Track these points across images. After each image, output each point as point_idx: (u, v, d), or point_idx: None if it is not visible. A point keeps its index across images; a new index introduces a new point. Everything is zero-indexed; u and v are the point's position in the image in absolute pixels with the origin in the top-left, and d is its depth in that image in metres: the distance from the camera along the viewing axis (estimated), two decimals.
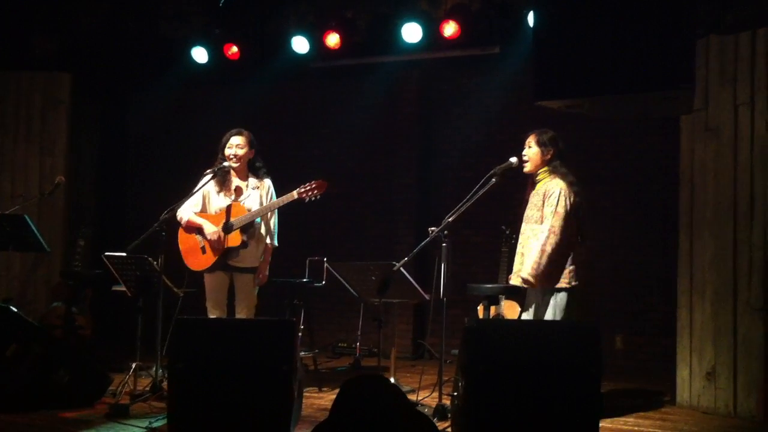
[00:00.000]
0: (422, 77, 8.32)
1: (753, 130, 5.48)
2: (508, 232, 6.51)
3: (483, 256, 7.56)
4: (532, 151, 5.27)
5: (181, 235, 5.72)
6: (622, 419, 5.28)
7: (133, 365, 5.42)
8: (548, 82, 4.84)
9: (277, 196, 5.72)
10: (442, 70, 8.21)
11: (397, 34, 7.17)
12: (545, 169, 5.24)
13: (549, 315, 5.13)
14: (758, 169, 5.44)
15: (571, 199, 5.09)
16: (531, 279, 5.01)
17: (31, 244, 6.41)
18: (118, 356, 6.39)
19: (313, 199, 5.49)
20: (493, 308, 6.13)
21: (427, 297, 5.46)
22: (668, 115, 5.86)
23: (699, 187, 5.74)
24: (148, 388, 5.34)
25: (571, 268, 5.17)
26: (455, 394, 4.38)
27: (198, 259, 5.64)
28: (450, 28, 7.01)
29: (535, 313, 5.19)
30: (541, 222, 5.09)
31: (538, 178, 5.28)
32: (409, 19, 7.11)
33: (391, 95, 8.36)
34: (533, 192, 5.29)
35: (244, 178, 5.75)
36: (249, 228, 5.56)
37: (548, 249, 4.99)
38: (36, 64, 7.97)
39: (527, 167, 5.28)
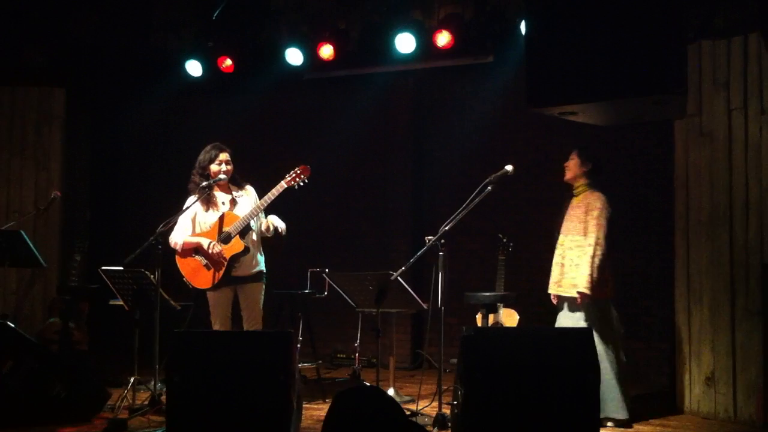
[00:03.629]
0: (416, 86, 8.33)
1: (747, 134, 5.50)
2: (505, 240, 6.52)
3: (480, 264, 7.56)
4: (573, 161, 5.51)
5: (179, 260, 5.63)
6: (631, 425, 5.27)
7: (132, 379, 5.39)
8: (541, 89, 4.86)
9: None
10: (435, 78, 8.22)
11: (391, 44, 7.18)
12: (583, 182, 5.47)
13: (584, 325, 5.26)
14: (752, 173, 5.45)
15: (610, 212, 5.33)
16: (587, 291, 5.20)
17: (27, 259, 6.39)
18: (116, 370, 6.36)
19: (301, 184, 5.50)
20: (491, 316, 6.13)
21: (425, 306, 5.45)
22: (661, 120, 5.88)
23: (694, 192, 5.75)
24: (146, 402, 5.32)
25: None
26: (455, 402, 4.38)
27: (206, 277, 5.54)
28: (443, 38, 7.02)
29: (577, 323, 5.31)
30: (584, 234, 5.29)
31: (576, 190, 5.50)
32: (402, 30, 7.12)
33: (385, 104, 8.37)
34: (573, 204, 5.49)
35: (227, 191, 5.73)
36: (246, 232, 5.55)
37: (596, 261, 5.22)
38: (29, 79, 7.96)
39: (566, 175, 5.55)
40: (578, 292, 5.21)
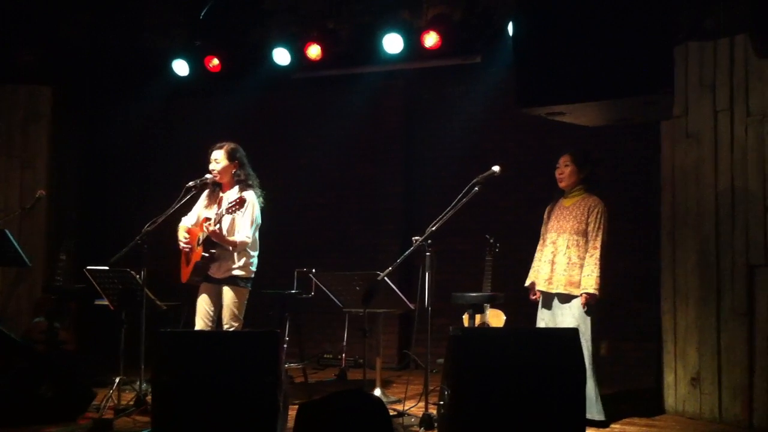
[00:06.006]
0: (405, 87, 8.33)
1: (732, 136, 5.52)
2: (492, 241, 6.52)
3: (468, 265, 7.55)
4: (568, 169, 5.52)
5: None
6: (608, 426, 5.29)
7: (117, 379, 5.37)
8: (529, 90, 4.86)
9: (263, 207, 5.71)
10: (424, 79, 8.22)
11: (379, 44, 7.18)
12: (580, 186, 5.51)
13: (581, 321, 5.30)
14: (739, 174, 5.48)
15: (607, 215, 5.42)
16: (597, 293, 5.26)
17: (12, 258, 6.34)
18: (102, 370, 6.33)
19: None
20: (478, 317, 6.14)
21: (412, 306, 5.46)
22: (649, 121, 5.89)
23: (680, 193, 5.77)
24: (132, 402, 5.30)
25: None
26: (441, 403, 4.38)
27: (183, 271, 5.66)
28: (431, 39, 7.03)
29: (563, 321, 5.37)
30: (585, 235, 5.36)
31: (572, 194, 5.53)
32: (391, 30, 7.12)
33: (374, 105, 8.37)
34: (563, 204, 5.52)
35: (229, 190, 5.74)
36: (212, 242, 5.52)
37: (602, 262, 5.30)
38: (17, 77, 7.92)
39: (561, 183, 5.55)
40: (587, 294, 5.24)
